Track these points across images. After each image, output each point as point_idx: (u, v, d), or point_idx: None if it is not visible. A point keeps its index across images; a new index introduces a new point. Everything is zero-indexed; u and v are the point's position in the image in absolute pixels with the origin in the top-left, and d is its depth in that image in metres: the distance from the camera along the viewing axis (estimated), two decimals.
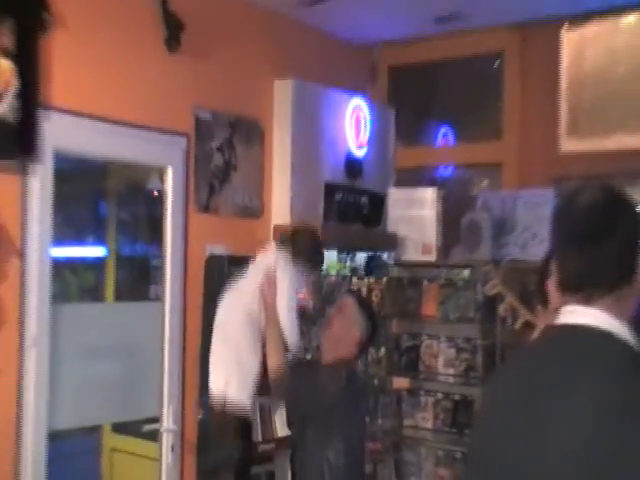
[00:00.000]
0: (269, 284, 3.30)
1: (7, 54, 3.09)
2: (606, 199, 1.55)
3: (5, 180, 3.18)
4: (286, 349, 3.27)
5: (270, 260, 3.42)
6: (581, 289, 1.51)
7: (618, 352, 1.48)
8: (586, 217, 1.54)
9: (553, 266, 1.60)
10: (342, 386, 3.14)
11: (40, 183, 3.32)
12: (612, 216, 1.52)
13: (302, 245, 3.46)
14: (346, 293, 4.18)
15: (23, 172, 3.24)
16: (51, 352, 3.37)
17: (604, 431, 1.39)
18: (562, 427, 1.43)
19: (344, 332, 3.26)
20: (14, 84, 3.11)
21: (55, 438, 3.44)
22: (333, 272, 4.67)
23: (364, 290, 4.84)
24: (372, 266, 4.95)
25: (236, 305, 3.34)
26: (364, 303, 3.47)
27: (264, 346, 3.27)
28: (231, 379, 3.25)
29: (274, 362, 3.22)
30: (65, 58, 3.37)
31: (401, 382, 4.98)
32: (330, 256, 4.64)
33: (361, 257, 4.93)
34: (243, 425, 3.45)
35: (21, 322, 3.26)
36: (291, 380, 3.25)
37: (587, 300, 1.51)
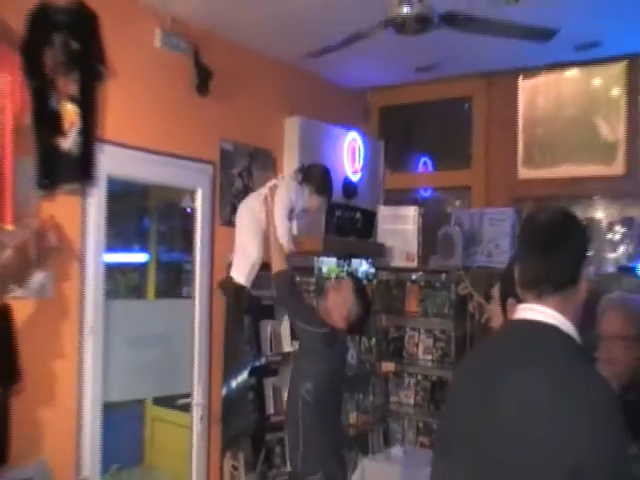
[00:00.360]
0: (271, 194, 3.46)
1: (72, 99, 3.13)
2: (561, 218, 1.59)
3: (69, 200, 3.24)
4: (285, 255, 3.35)
5: (279, 180, 3.59)
6: (536, 286, 1.55)
7: (562, 343, 1.52)
8: (544, 231, 1.57)
9: (515, 270, 1.61)
10: (324, 333, 3.14)
11: (96, 202, 3.38)
12: (565, 232, 1.55)
13: (313, 172, 3.54)
14: (348, 276, 4.06)
15: (83, 194, 3.29)
16: (105, 339, 3.41)
17: (550, 415, 1.40)
18: (512, 410, 1.45)
19: (335, 307, 3.23)
20: (77, 124, 3.14)
21: (108, 408, 3.46)
22: (333, 275, 4.64)
23: None
24: None
25: (248, 209, 3.54)
26: (360, 289, 3.35)
27: (267, 242, 3.42)
28: (238, 263, 3.50)
29: (275, 266, 3.32)
30: (116, 101, 3.44)
31: (388, 366, 5.02)
32: (330, 262, 4.66)
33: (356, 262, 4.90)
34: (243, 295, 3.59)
35: (80, 314, 3.31)
36: (289, 289, 3.33)
37: (539, 295, 1.54)
